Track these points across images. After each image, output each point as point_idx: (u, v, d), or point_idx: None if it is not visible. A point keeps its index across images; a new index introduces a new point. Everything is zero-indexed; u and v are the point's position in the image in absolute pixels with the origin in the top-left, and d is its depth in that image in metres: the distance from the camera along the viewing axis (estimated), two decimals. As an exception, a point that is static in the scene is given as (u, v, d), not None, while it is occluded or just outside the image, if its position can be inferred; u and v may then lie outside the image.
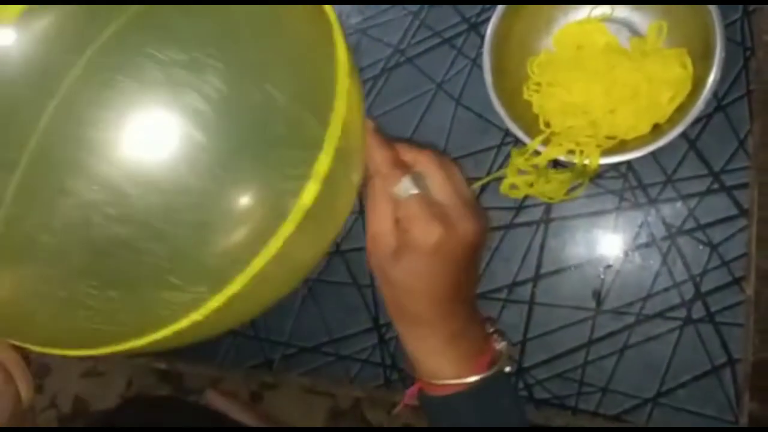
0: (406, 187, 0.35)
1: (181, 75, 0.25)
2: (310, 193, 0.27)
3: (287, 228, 0.27)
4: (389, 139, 0.37)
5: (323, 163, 0.27)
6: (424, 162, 0.36)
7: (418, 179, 0.35)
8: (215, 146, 0.25)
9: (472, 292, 0.39)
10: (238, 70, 0.26)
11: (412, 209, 0.34)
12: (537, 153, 0.43)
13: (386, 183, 0.35)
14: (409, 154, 0.37)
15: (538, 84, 0.45)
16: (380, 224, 0.36)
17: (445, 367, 0.36)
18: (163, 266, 0.26)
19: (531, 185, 0.45)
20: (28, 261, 0.26)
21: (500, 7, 0.43)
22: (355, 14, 0.51)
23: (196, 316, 0.27)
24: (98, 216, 0.24)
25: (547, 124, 0.44)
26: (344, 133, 0.28)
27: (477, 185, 0.46)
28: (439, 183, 0.36)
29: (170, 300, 0.26)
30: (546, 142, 0.42)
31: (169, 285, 0.26)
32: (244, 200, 0.26)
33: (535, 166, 0.44)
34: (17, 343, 0.31)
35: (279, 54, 0.28)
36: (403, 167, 0.36)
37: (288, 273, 0.31)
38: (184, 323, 0.27)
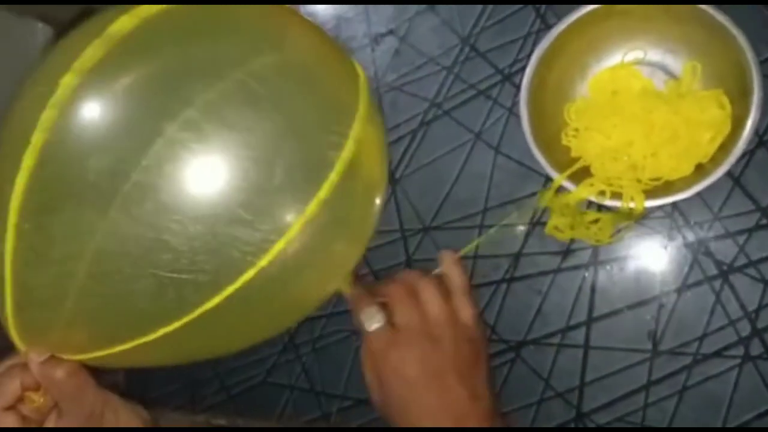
0: (369, 320, 0.40)
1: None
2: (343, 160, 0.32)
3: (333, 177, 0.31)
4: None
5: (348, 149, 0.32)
6: (390, 294, 0.41)
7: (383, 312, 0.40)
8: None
9: (474, 401, 0.39)
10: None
11: (377, 343, 0.40)
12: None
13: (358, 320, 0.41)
14: (381, 290, 0.42)
15: (576, 130, 0.45)
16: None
17: None
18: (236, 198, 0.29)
19: (572, 228, 0.45)
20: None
21: (534, 57, 0.44)
22: (390, 72, 0.53)
23: (263, 262, 0.30)
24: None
25: (586, 167, 0.45)
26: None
27: (471, 246, 0.47)
28: (403, 312, 0.40)
29: (242, 239, 0.30)
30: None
31: (241, 220, 0.29)
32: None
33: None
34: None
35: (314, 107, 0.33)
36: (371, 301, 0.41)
37: (334, 239, 0.34)
38: (251, 273, 0.30)
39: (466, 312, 0.41)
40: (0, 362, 0.38)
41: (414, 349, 0.39)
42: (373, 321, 0.40)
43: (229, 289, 0.30)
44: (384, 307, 0.41)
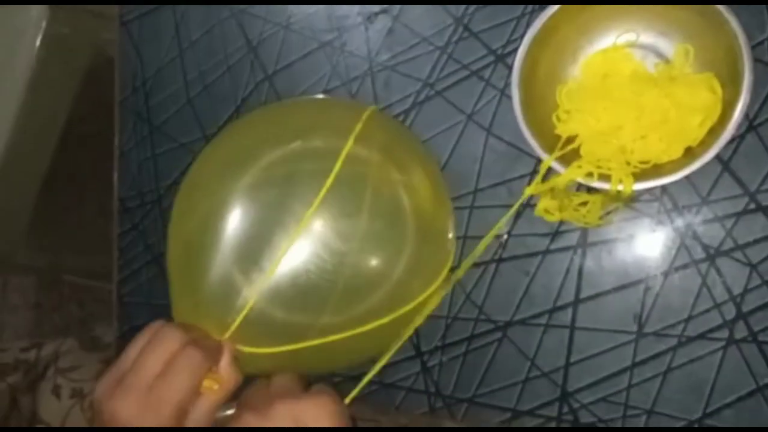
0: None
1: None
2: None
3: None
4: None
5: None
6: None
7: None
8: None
9: None
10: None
11: None
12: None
13: None
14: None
15: (567, 112, 0.45)
16: None
17: None
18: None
19: (561, 210, 0.46)
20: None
21: (527, 38, 0.44)
22: (383, 51, 0.53)
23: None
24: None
25: (574, 148, 0.45)
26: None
27: (482, 245, 0.47)
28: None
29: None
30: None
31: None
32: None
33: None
34: None
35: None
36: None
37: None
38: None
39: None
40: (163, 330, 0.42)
41: None
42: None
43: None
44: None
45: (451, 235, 0.49)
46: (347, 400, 0.44)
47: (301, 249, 0.43)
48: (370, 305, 0.45)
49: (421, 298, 0.46)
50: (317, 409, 0.40)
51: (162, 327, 0.42)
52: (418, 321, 0.47)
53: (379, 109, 0.52)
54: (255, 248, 0.44)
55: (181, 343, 0.40)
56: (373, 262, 0.45)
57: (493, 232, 0.47)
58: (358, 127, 0.47)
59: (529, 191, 0.46)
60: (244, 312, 0.43)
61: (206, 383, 0.40)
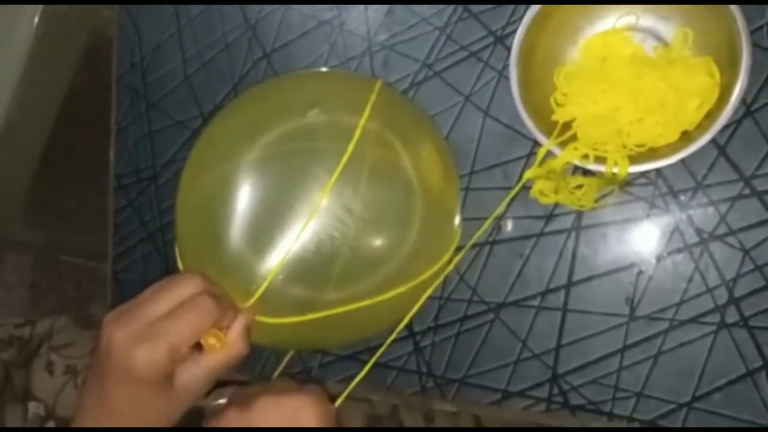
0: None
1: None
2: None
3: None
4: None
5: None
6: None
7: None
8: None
9: None
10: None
11: None
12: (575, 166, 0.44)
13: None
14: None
15: (565, 94, 0.45)
16: None
17: None
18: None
19: (556, 191, 0.46)
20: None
21: (526, 19, 0.44)
22: (382, 31, 0.53)
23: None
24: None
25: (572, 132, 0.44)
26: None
27: (482, 229, 0.48)
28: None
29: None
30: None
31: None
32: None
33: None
34: None
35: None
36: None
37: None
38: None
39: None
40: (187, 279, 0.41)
41: None
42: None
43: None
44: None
45: (458, 215, 0.49)
46: (338, 402, 0.44)
47: (315, 222, 0.44)
48: (380, 278, 0.45)
49: (435, 268, 0.47)
50: (302, 408, 0.39)
51: (187, 272, 0.42)
52: (422, 300, 0.47)
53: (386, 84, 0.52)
54: (271, 221, 0.44)
55: (199, 290, 0.39)
56: (382, 236, 0.45)
57: (496, 213, 0.47)
58: (372, 99, 0.47)
59: (528, 175, 0.46)
60: (267, 283, 0.43)
61: (210, 339, 0.39)
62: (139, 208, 0.62)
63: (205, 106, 0.59)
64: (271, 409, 0.39)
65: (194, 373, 0.39)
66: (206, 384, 0.40)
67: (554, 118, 0.45)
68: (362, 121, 0.46)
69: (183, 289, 0.39)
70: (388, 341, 0.48)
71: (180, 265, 0.50)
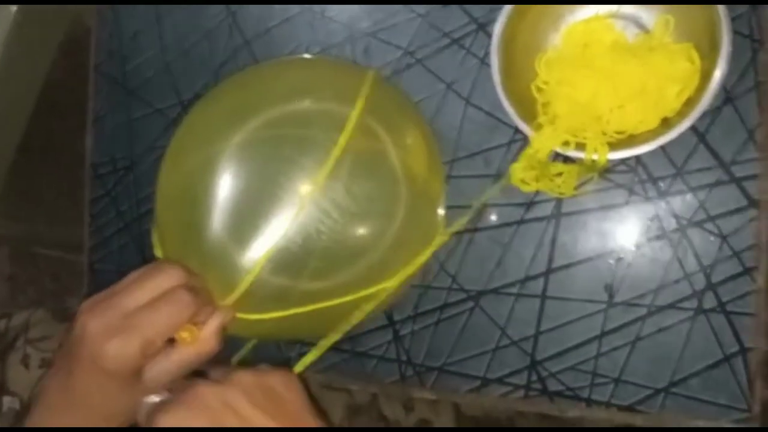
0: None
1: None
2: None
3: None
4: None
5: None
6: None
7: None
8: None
9: None
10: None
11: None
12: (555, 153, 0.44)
13: None
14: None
15: (546, 82, 0.45)
16: None
17: None
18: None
19: (537, 179, 0.46)
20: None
21: (507, 6, 0.44)
22: (364, 18, 0.52)
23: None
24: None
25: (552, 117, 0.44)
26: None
27: (466, 218, 0.48)
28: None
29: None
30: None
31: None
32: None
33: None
34: None
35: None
36: None
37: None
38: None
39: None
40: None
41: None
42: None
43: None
44: None
45: (442, 203, 0.49)
46: (299, 367, 0.46)
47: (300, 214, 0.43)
48: (362, 268, 0.45)
49: (419, 261, 0.47)
50: (282, 380, 0.38)
51: (166, 262, 0.41)
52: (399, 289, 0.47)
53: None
54: (255, 210, 0.44)
55: (177, 282, 0.39)
56: (366, 226, 0.45)
57: (482, 200, 0.47)
58: (365, 91, 0.46)
59: (516, 171, 0.46)
60: (249, 279, 0.42)
61: (183, 333, 0.38)
62: (116, 197, 0.61)
63: (185, 94, 0.58)
64: (252, 381, 0.37)
65: (164, 367, 0.38)
66: (175, 378, 0.39)
67: (537, 102, 0.45)
68: (355, 113, 0.45)
69: (162, 280, 0.38)
70: (341, 329, 0.47)
71: (157, 253, 0.49)
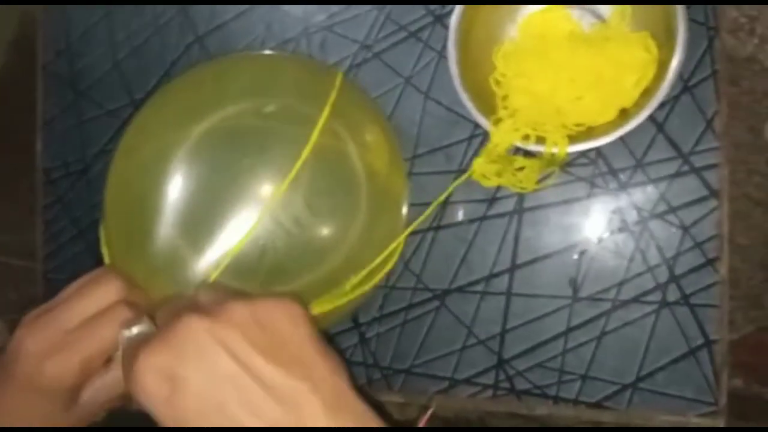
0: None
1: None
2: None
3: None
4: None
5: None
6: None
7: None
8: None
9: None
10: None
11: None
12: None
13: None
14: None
15: (504, 75, 0.44)
16: None
17: None
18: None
19: (499, 174, 0.45)
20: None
21: (463, -2, 0.43)
22: (319, 12, 0.51)
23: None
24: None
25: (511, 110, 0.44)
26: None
27: (428, 212, 0.46)
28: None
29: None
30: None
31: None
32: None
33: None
34: None
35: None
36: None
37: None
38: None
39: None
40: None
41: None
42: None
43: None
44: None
45: (406, 201, 0.47)
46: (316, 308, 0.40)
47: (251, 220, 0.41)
48: (326, 270, 0.44)
49: (379, 258, 0.45)
50: (285, 312, 0.31)
51: (106, 274, 0.39)
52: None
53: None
54: (210, 215, 0.42)
55: (118, 297, 0.37)
56: (327, 228, 0.44)
57: (443, 196, 0.46)
58: (332, 96, 0.45)
59: (477, 165, 0.45)
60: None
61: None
62: (69, 203, 0.59)
63: (137, 94, 0.56)
64: (248, 315, 0.30)
65: (101, 385, 0.37)
66: (112, 398, 0.37)
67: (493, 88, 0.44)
68: (321, 121, 0.43)
69: (101, 295, 0.37)
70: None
71: (105, 259, 0.48)
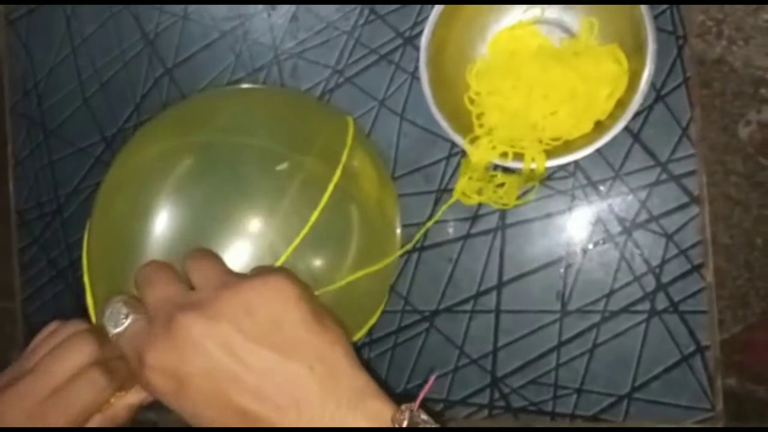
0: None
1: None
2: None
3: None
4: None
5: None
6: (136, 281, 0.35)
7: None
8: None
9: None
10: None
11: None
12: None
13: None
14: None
15: (478, 93, 0.44)
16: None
17: None
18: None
19: (480, 192, 0.44)
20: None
21: (431, 18, 0.42)
22: (288, 38, 0.51)
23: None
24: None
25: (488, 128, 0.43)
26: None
27: (420, 233, 0.46)
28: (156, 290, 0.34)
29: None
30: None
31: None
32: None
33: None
34: None
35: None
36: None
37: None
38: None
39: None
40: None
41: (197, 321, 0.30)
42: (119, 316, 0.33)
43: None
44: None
45: (398, 222, 0.47)
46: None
47: (248, 251, 0.39)
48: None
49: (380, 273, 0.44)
50: (276, 294, 0.31)
51: (76, 333, 0.37)
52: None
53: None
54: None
55: (89, 359, 0.35)
56: (321, 257, 0.42)
57: (431, 222, 0.46)
58: (347, 148, 0.42)
59: (459, 188, 0.44)
60: None
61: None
62: (45, 244, 0.57)
63: (108, 130, 0.55)
64: (239, 305, 0.30)
65: (111, 417, 0.36)
66: (130, 415, 0.37)
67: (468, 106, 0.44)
68: (335, 178, 0.41)
69: (75, 357, 0.35)
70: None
71: (89, 301, 0.46)
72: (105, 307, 0.34)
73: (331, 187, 0.41)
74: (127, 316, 0.33)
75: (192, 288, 0.34)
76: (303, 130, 0.44)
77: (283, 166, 0.41)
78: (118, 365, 0.36)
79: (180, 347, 0.30)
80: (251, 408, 0.29)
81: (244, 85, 0.52)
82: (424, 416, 0.29)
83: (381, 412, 0.29)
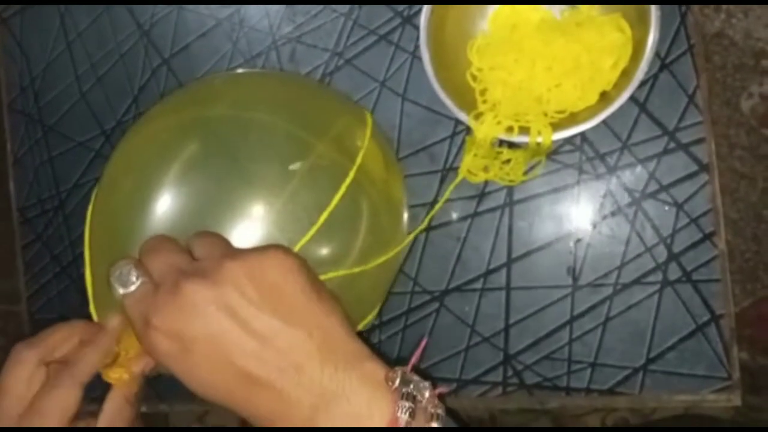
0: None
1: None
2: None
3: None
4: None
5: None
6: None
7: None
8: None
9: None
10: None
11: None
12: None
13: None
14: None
15: (480, 69, 0.44)
16: None
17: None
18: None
19: (486, 169, 0.44)
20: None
21: (431, -5, 0.42)
22: (285, 23, 0.50)
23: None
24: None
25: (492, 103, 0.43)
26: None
27: (429, 216, 0.46)
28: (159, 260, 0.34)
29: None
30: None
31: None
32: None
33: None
34: None
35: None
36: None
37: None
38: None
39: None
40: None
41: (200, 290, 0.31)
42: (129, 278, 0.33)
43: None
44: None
45: (405, 205, 0.46)
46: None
47: (258, 233, 0.39)
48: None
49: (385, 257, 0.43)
50: (277, 264, 0.31)
51: (23, 349, 0.36)
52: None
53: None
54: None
55: (33, 365, 0.35)
56: (331, 241, 0.41)
57: (441, 203, 0.45)
58: (366, 140, 0.42)
59: (464, 166, 0.44)
60: None
61: (113, 374, 0.35)
62: (48, 241, 0.57)
63: (107, 123, 0.55)
64: (244, 275, 0.31)
65: (113, 409, 0.35)
66: (131, 416, 0.36)
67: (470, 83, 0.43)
68: (348, 180, 0.40)
69: (20, 371, 0.35)
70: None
71: (91, 298, 0.46)
72: (114, 267, 0.34)
73: (342, 188, 0.40)
74: (137, 278, 0.33)
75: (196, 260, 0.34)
76: (320, 114, 0.43)
77: (296, 166, 0.40)
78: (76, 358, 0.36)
79: (185, 311, 0.30)
80: (252, 371, 0.29)
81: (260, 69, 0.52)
82: (415, 377, 0.29)
83: (375, 372, 0.29)
